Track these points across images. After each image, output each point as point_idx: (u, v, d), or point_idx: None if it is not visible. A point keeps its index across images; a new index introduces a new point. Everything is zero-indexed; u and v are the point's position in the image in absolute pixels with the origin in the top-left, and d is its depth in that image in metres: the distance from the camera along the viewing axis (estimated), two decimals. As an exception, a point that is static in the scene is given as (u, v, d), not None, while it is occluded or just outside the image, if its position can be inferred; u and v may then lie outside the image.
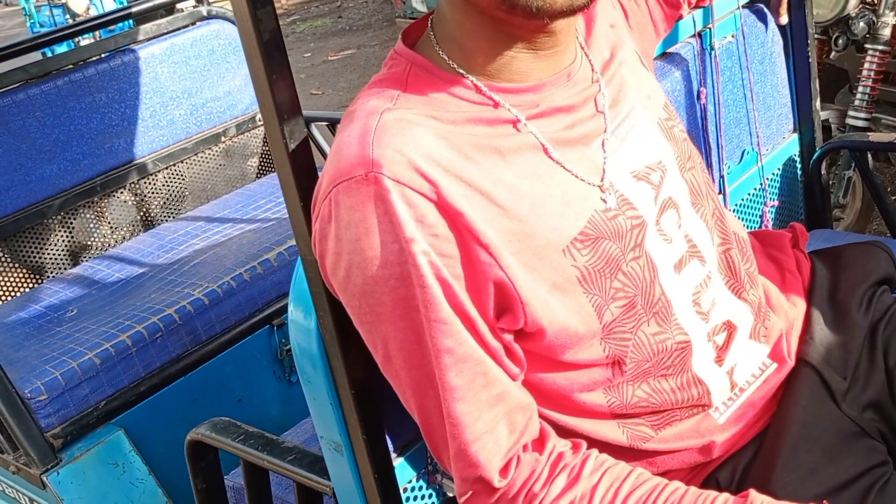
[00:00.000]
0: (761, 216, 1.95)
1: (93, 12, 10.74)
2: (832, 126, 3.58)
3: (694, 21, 1.72)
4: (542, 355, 1.09)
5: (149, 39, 2.81)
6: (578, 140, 1.08)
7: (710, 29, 1.75)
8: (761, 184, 1.94)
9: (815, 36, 3.54)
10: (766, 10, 1.90)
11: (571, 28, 1.07)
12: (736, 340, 1.21)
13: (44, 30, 10.85)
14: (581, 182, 1.07)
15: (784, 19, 1.90)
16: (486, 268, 0.99)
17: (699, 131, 1.75)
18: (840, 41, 3.51)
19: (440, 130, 0.99)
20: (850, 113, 3.45)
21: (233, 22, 2.95)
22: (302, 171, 1.08)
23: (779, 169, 2.00)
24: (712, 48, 1.76)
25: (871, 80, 3.41)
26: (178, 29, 2.85)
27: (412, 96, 1.02)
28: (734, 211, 1.88)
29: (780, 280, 1.37)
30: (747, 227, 1.93)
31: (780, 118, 1.98)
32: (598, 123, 1.10)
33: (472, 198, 0.98)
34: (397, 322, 1.00)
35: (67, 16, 10.75)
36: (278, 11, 12.23)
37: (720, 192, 1.84)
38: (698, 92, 1.74)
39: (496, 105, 1.03)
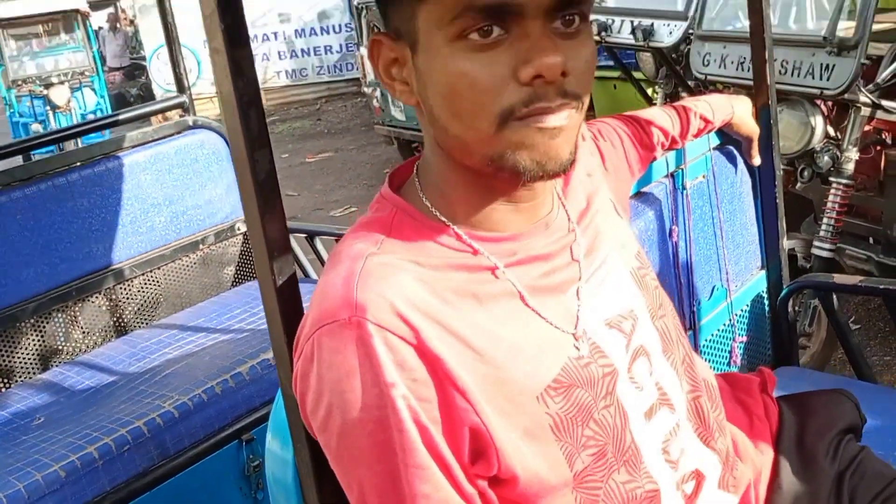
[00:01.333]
0: (730, 352, 1.99)
1: (73, 105, 10.90)
2: (798, 255, 3.67)
3: (667, 162, 1.79)
4: (515, 502, 1.09)
5: (134, 147, 2.85)
6: (554, 288, 1.11)
7: (682, 169, 1.82)
8: (730, 319, 1.98)
9: (782, 167, 3.68)
10: (735, 151, 1.98)
11: (550, 183, 1.12)
12: (704, 490, 1.22)
13: (23, 120, 10.96)
14: (555, 329, 1.10)
15: (757, 160, 1.98)
16: (463, 413, 1.01)
17: (671, 268, 1.81)
18: (805, 173, 3.63)
19: (422, 275, 1.03)
20: (816, 243, 3.54)
21: (218, 132, 3.01)
22: (289, 308, 1.10)
23: (747, 305, 2.05)
24: (684, 188, 1.83)
25: (835, 212, 3.50)
26: (164, 137, 2.90)
27: (396, 241, 1.06)
28: (704, 347, 1.92)
29: (749, 426, 1.39)
30: (717, 362, 1.97)
31: (748, 255, 2.04)
32: (573, 272, 1.14)
33: (449, 342, 1.01)
34: (374, 465, 1.00)
35: (48, 107, 10.87)
36: (258, 113, 12.43)
37: (690, 328, 1.88)
38: (670, 230, 1.80)
39: (476, 252, 1.07)
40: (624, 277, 1.20)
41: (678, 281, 1.83)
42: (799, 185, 3.74)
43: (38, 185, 2.62)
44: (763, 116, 1.95)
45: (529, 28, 0.96)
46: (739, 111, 1.86)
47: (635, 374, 1.17)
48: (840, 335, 1.99)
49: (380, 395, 0.97)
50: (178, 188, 2.91)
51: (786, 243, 2.07)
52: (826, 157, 3.51)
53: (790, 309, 2.07)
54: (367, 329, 0.97)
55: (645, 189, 1.78)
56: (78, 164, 2.73)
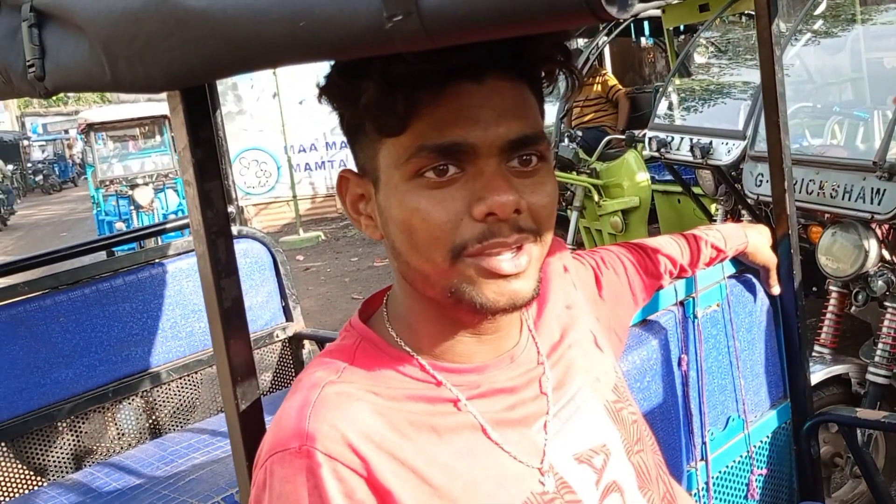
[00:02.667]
0: (748, 484, 1.93)
1: (156, 205, 11.30)
2: (852, 380, 3.56)
3: (676, 290, 1.78)
4: None
5: (179, 254, 2.94)
6: (519, 421, 1.11)
7: (693, 298, 1.81)
8: (748, 451, 1.93)
9: (836, 289, 3.61)
10: (754, 280, 1.96)
11: (515, 315, 1.12)
12: None
13: (108, 218, 11.38)
14: (519, 463, 1.09)
15: (776, 290, 1.95)
16: (413, 548, 1.00)
17: (679, 397, 1.78)
18: (860, 297, 3.55)
19: (378, 406, 1.03)
20: (871, 369, 3.44)
21: (262, 242, 3.10)
22: (250, 432, 1.12)
23: (767, 437, 1.99)
24: (695, 317, 1.81)
25: (891, 337, 3.41)
26: (209, 245, 2.99)
27: (357, 370, 1.07)
28: (717, 479, 1.87)
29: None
30: (733, 495, 1.92)
31: (769, 385, 2.00)
32: (540, 405, 1.13)
33: (403, 476, 1.00)
34: None
35: (132, 207, 11.30)
36: (333, 215, 12.61)
37: (702, 459, 1.83)
38: (679, 359, 1.78)
39: (438, 384, 1.08)
40: (597, 411, 1.19)
41: (688, 411, 1.80)
42: (854, 308, 3.66)
43: (84, 289, 2.71)
44: (783, 246, 1.93)
45: (483, 166, 0.99)
46: (754, 241, 1.85)
47: None
48: (863, 471, 1.92)
49: (327, 526, 0.98)
50: (219, 295, 2.97)
51: (810, 374, 2.02)
52: (880, 282, 3.44)
53: (814, 442, 2.01)
54: (315, 459, 0.98)
55: (651, 317, 1.76)
56: (124, 269, 2.82)
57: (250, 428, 1.12)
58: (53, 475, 2.71)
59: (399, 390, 1.06)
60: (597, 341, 1.29)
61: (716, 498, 1.86)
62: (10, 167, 24.32)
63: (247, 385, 1.11)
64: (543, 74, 1.06)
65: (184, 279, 2.92)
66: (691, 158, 4.69)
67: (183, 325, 2.92)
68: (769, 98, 1.88)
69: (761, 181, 4.00)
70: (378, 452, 1.00)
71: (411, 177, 1.00)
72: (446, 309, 1.06)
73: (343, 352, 1.10)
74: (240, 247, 3.02)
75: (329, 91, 1.05)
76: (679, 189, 5.67)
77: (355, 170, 1.09)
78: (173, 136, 10.36)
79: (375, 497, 0.99)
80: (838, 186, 3.51)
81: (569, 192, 6.40)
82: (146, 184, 11.33)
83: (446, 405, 1.07)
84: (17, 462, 2.65)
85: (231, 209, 3.10)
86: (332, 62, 1.04)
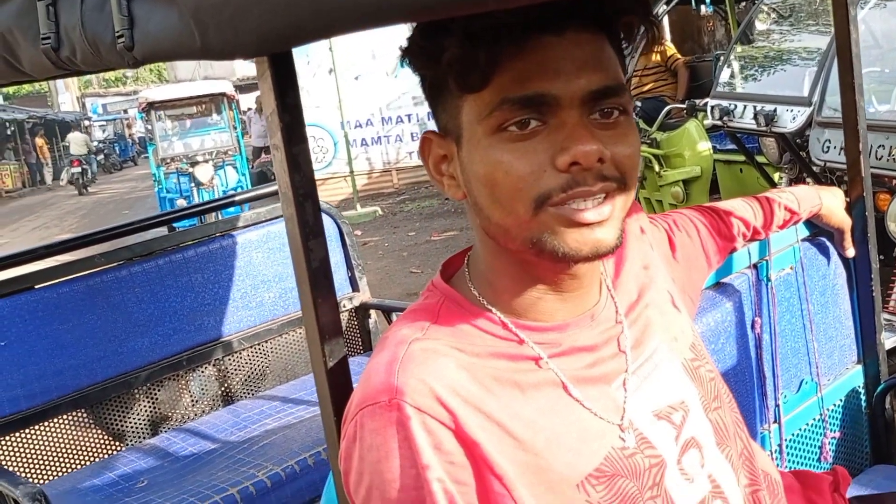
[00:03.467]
0: (820, 447, 1.93)
1: (216, 182, 11.46)
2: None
3: (749, 253, 1.77)
4: (554, 588, 1.10)
5: (248, 226, 2.99)
6: (599, 378, 1.12)
7: (766, 261, 1.80)
8: (821, 414, 1.92)
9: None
10: (828, 243, 1.94)
11: (596, 271, 1.14)
12: (758, 586, 1.20)
13: (170, 195, 11.57)
14: (599, 420, 1.10)
15: (851, 252, 1.93)
16: (500, 498, 1.02)
17: (752, 360, 1.77)
18: (930, 263, 3.49)
19: (463, 362, 1.05)
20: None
21: (328, 213, 3.13)
22: (338, 389, 1.15)
23: (840, 400, 1.98)
24: (769, 279, 1.80)
25: (961, 304, 3.35)
26: (276, 217, 3.04)
27: (441, 327, 1.09)
28: (790, 441, 1.87)
29: (815, 526, 1.35)
30: (805, 457, 1.91)
31: (842, 349, 1.98)
32: (619, 363, 1.15)
33: (488, 429, 1.03)
34: None
35: (193, 184, 11.47)
36: (389, 190, 12.65)
37: (775, 422, 1.83)
38: (753, 322, 1.77)
39: (521, 342, 1.09)
40: (675, 369, 1.20)
41: (761, 373, 1.79)
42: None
43: (157, 260, 2.78)
44: (858, 208, 1.91)
45: (566, 118, 1.00)
46: (828, 202, 1.83)
47: (685, 466, 1.16)
48: (939, 436, 1.90)
49: (416, 476, 1.00)
50: (287, 266, 3.03)
51: (883, 338, 2.00)
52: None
53: (888, 405, 1.99)
54: (405, 412, 1.00)
55: (725, 280, 1.76)
56: (194, 241, 2.89)
57: (338, 385, 1.14)
58: (131, 441, 2.80)
59: (482, 347, 1.08)
60: (674, 301, 1.29)
61: (788, 460, 1.85)
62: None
63: (334, 343, 1.14)
64: (623, 28, 1.06)
65: (253, 250, 2.97)
66: (755, 126, 4.62)
67: (253, 296, 2.98)
68: (844, 59, 1.86)
69: (829, 147, 3.94)
70: (464, 406, 1.02)
71: (494, 131, 1.01)
72: (528, 264, 1.08)
73: (427, 311, 1.13)
74: (306, 218, 3.06)
75: (411, 52, 1.07)
76: (741, 158, 5.59)
77: (437, 131, 1.11)
78: (232, 113, 10.46)
79: (463, 448, 1.01)
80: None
81: (628, 163, 6.34)
82: (206, 161, 11.50)
83: (528, 363, 1.09)
84: (97, 428, 2.74)
85: (298, 181, 3.15)
86: (415, 24, 1.06)
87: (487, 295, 1.12)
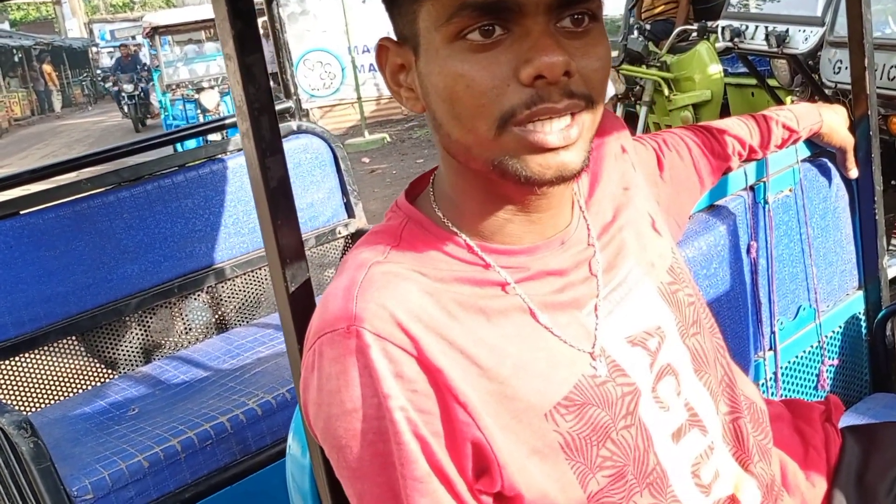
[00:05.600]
0: (818, 375, 1.88)
1: (222, 109, 11.36)
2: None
3: (746, 174, 1.70)
4: (526, 521, 1.06)
5: (239, 150, 2.92)
6: (569, 304, 1.07)
7: (764, 182, 1.73)
8: (819, 342, 1.87)
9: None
10: (829, 163, 1.86)
11: (567, 192, 1.07)
12: (740, 518, 1.15)
13: (176, 122, 11.50)
14: (569, 347, 1.05)
15: (854, 173, 1.86)
16: (464, 427, 0.98)
17: (747, 286, 1.71)
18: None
19: (426, 286, 1.00)
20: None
21: (322, 137, 3.06)
22: (300, 315, 1.10)
23: (840, 327, 1.93)
24: (766, 202, 1.73)
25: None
26: (269, 141, 2.96)
27: (404, 251, 1.04)
28: (786, 369, 1.82)
29: (803, 456, 1.31)
30: (802, 385, 1.87)
31: (842, 275, 1.92)
32: (590, 287, 1.09)
33: (452, 356, 0.98)
34: (374, 477, 0.99)
35: (199, 110, 11.38)
36: (398, 117, 12.57)
37: (771, 349, 1.78)
38: (748, 246, 1.71)
39: (486, 266, 1.04)
40: (650, 293, 1.14)
41: (756, 300, 1.73)
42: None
43: (146, 185, 2.72)
44: (862, 127, 1.82)
45: (531, 26, 0.92)
46: (829, 120, 1.75)
47: (661, 394, 1.11)
48: (942, 362, 1.85)
49: (378, 405, 0.96)
50: (281, 191, 2.96)
51: (886, 262, 1.93)
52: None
53: (889, 332, 1.94)
54: (364, 339, 0.95)
55: (719, 202, 1.69)
56: (184, 165, 2.82)
57: (301, 311, 1.10)
58: (124, 368, 2.78)
59: (446, 272, 1.03)
60: (654, 224, 1.23)
61: (784, 388, 1.81)
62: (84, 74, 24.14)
63: (296, 267, 1.09)
64: None
65: (244, 175, 2.91)
66: (766, 48, 4.50)
67: (245, 222, 2.92)
68: (850, -31, 1.76)
69: (840, 68, 3.83)
70: (427, 332, 0.97)
71: (453, 39, 0.94)
72: (492, 184, 1.01)
73: (389, 232, 1.07)
74: (299, 142, 3.00)
75: None
76: (753, 81, 5.47)
77: (393, 38, 1.03)
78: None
79: (426, 376, 0.97)
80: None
81: (638, 87, 6.22)
82: (212, 87, 11.39)
83: (494, 288, 1.04)
84: (88, 356, 2.71)
85: (290, 104, 3.08)
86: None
87: (452, 217, 1.06)
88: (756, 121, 1.66)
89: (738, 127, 1.63)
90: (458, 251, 1.04)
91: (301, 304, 1.10)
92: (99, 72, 32.48)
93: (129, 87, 19.31)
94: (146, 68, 19.53)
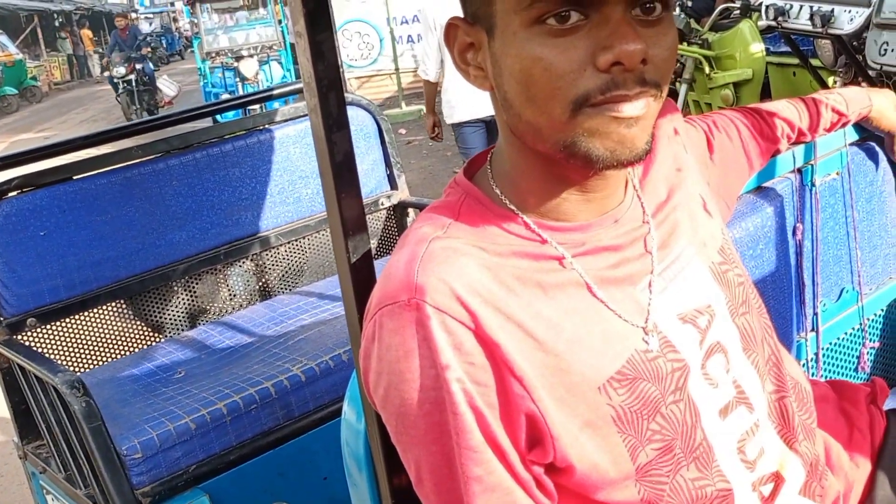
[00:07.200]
0: (858, 357, 1.89)
1: (261, 77, 11.41)
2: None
3: (794, 156, 1.71)
4: (575, 491, 1.09)
5: (286, 120, 2.96)
6: (624, 279, 1.10)
7: (811, 165, 1.74)
8: (861, 324, 1.88)
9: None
10: (877, 148, 1.87)
11: (622, 173, 1.10)
12: (783, 493, 1.18)
13: (215, 90, 11.56)
14: (623, 322, 1.08)
15: (901, 156, 1.86)
16: (519, 399, 1.01)
17: (791, 267, 1.73)
18: None
19: (485, 261, 1.03)
20: None
21: (367, 109, 3.09)
22: (362, 286, 1.14)
23: (882, 310, 1.94)
24: (813, 184, 1.74)
25: None
26: (315, 112, 3.00)
27: (462, 226, 1.07)
28: (827, 350, 1.83)
29: (847, 437, 1.33)
30: (843, 367, 1.88)
31: (886, 258, 1.93)
32: (645, 264, 1.12)
33: (509, 330, 1.01)
34: (430, 446, 1.02)
35: (238, 79, 11.44)
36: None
37: (812, 330, 1.80)
38: (794, 228, 1.72)
39: (543, 241, 1.07)
40: (701, 272, 1.17)
41: (800, 281, 1.75)
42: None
43: (194, 153, 2.77)
44: (911, 111, 1.82)
45: (609, 14, 0.95)
46: (879, 104, 1.75)
47: (710, 371, 1.14)
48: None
49: (436, 377, 0.99)
50: (325, 161, 3.00)
51: (931, 247, 1.94)
52: None
53: (930, 318, 1.95)
54: (424, 311, 0.99)
55: (766, 184, 1.70)
56: (233, 135, 2.87)
57: (362, 281, 1.13)
58: (170, 332, 2.84)
59: (504, 246, 1.06)
60: (706, 205, 1.25)
61: (825, 369, 1.83)
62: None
63: (358, 239, 1.12)
64: None
65: (291, 145, 2.95)
66: (810, 27, 4.45)
67: (290, 191, 2.97)
68: (905, -48, 1.75)
69: (886, 50, 3.79)
70: (485, 306, 1.00)
71: (532, 23, 0.96)
72: (555, 165, 1.04)
73: (448, 208, 1.10)
74: (345, 114, 3.02)
75: None
76: (795, 61, 5.41)
77: (464, 17, 1.06)
78: (278, 7, 10.35)
79: (483, 349, 1.00)
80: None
81: (679, 64, 6.18)
82: (251, 56, 11.44)
83: (551, 262, 1.07)
84: (136, 319, 2.78)
85: (336, 76, 3.10)
86: None
87: (509, 194, 1.09)
88: (805, 104, 1.66)
89: (787, 110, 1.64)
90: (514, 227, 1.07)
91: (362, 275, 1.14)
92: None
93: (120, 70, 14.38)
94: (148, 43, 16.26)
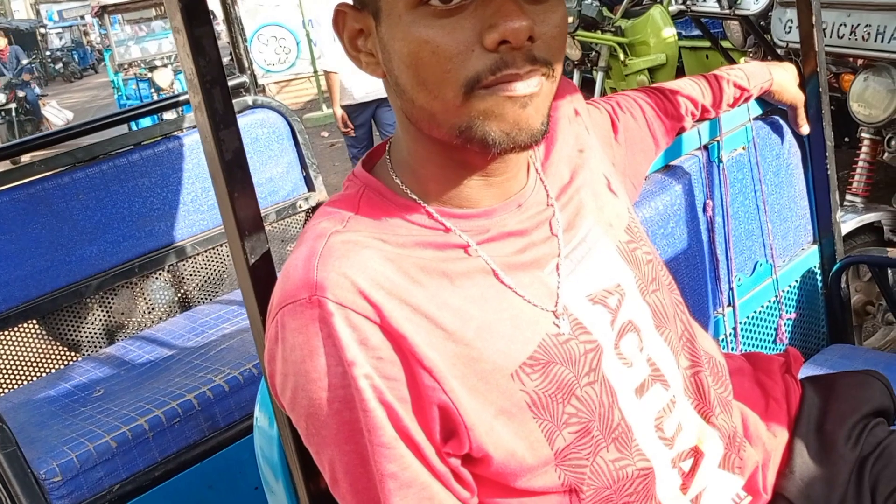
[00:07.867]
0: (776, 329, 1.91)
1: (176, 87, 11.22)
2: (885, 228, 3.50)
3: (700, 134, 1.72)
4: (495, 481, 1.07)
5: (194, 126, 2.89)
6: (530, 264, 1.08)
7: (717, 141, 1.75)
8: (776, 296, 1.90)
9: (868, 136, 3.53)
10: (781, 121, 1.89)
11: (523, 156, 1.08)
12: (703, 467, 1.18)
13: (129, 102, 11.34)
14: (532, 307, 1.06)
15: (805, 129, 1.89)
16: (430, 391, 0.99)
17: (704, 244, 1.74)
18: (893, 142, 3.46)
19: (387, 253, 1.01)
20: (904, 216, 3.37)
21: (278, 111, 3.04)
22: (261, 287, 1.10)
23: (796, 281, 1.96)
24: (720, 160, 1.76)
25: (925, 181, 3.33)
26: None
27: (363, 219, 1.04)
28: (745, 324, 1.85)
29: (763, 408, 1.34)
30: (761, 339, 1.90)
31: (797, 230, 1.95)
32: (551, 247, 1.10)
33: (416, 321, 0.99)
34: (342, 445, 1.00)
35: (152, 89, 11.23)
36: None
37: (729, 305, 1.81)
38: (704, 204, 1.73)
39: (447, 230, 1.05)
40: (609, 252, 1.16)
41: (714, 257, 1.76)
42: (887, 154, 3.56)
43: (101, 165, 2.69)
44: (812, 84, 1.85)
45: None
46: (779, 78, 1.77)
47: (623, 350, 1.13)
48: (894, 313, 1.89)
49: (343, 374, 0.96)
50: (239, 166, 2.94)
51: (839, 216, 1.97)
52: (915, 126, 3.34)
53: (843, 285, 1.98)
54: (327, 308, 0.96)
55: (674, 162, 1.71)
56: (139, 144, 2.79)
57: (262, 283, 1.10)
58: (87, 350, 2.76)
59: (407, 237, 1.04)
60: (610, 185, 1.25)
61: (743, 343, 1.84)
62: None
63: (255, 239, 1.08)
64: None
65: (201, 151, 2.87)
66: (718, 9, 4.51)
67: (204, 199, 2.90)
68: (796, -75, 1.78)
69: (790, 27, 3.86)
70: (389, 298, 0.98)
71: (416, 5, 0.94)
72: (453, 151, 1.02)
73: (347, 201, 1.07)
74: (256, 117, 2.98)
75: None
76: (707, 44, 5.50)
77: (351, 3, 1.03)
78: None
79: (390, 343, 0.97)
80: (871, 28, 3.38)
81: (594, 53, 6.23)
82: (165, 65, 11.24)
83: (456, 251, 1.05)
84: (51, 339, 2.69)
85: (244, 79, 3.05)
86: None
87: (410, 183, 1.07)
88: (707, 80, 1.67)
89: (689, 87, 1.65)
90: (417, 217, 1.05)
91: (262, 277, 1.10)
92: (49, 53, 31.87)
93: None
94: (30, 69, 14.79)
